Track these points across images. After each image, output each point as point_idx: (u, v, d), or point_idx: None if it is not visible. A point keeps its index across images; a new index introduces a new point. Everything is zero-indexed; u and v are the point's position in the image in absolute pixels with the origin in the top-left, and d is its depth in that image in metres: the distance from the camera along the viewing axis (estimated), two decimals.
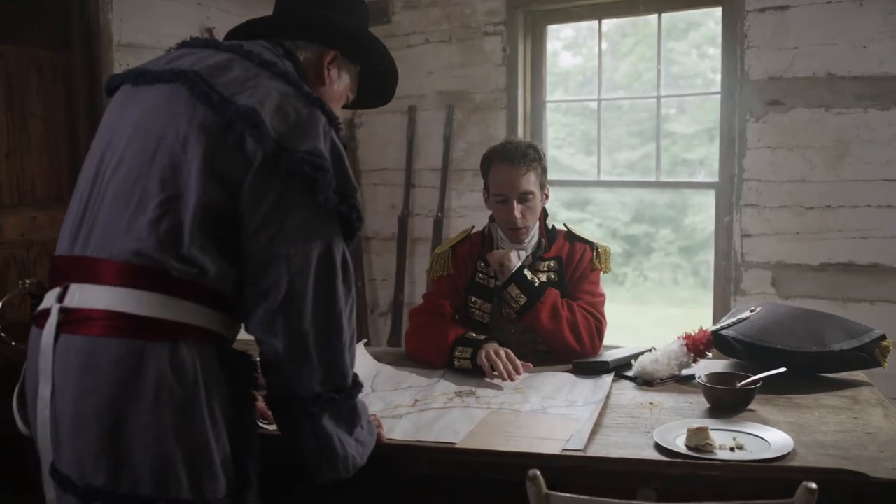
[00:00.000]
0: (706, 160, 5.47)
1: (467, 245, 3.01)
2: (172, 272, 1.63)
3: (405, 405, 2.38)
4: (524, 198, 2.86)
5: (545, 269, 2.92)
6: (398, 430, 2.18)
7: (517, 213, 2.84)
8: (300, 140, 1.68)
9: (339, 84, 2.04)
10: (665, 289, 8.02)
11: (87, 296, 1.65)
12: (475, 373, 2.64)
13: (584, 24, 5.29)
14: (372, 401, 2.41)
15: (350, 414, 1.84)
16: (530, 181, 2.86)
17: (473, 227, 3.12)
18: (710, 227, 4.77)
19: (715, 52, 4.80)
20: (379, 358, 2.86)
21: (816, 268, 4.40)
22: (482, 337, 2.70)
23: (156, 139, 1.70)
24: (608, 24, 5.15)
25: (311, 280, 1.69)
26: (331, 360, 1.75)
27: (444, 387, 2.55)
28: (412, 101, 5.46)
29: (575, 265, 2.94)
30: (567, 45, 5.60)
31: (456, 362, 2.65)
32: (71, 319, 1.65)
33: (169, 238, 1.63)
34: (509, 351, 2.61)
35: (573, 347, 2.78)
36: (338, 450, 1.80)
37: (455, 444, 2.08)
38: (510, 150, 2.88)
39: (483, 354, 2.60)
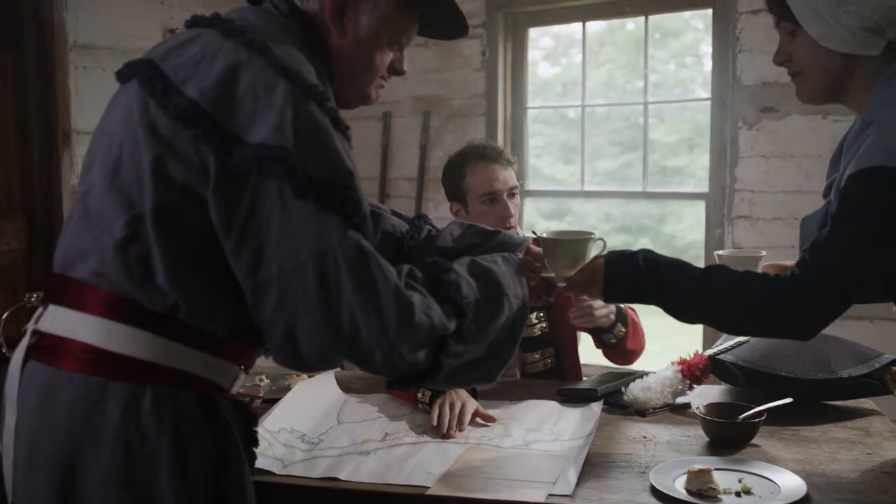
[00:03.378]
0: (686, 169, 5.38)
1: None
2: (145, 304, 1.40)
3: (374, 439, 2.18)
4: (512, 193, 2.74)
5: None
6: (364, 471, 1.97)
7: (511, 209, 2.70)
8: (253, 126, 1.37)
9: (365, 31, 1.61)
10: None
11: (59, 321, 1.45)
12: None
13: (564, 33, 5.16)
14: (338, 434, 2.21)
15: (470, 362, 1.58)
16: (512, 176, 2.76)
17: None
18: (689, 236, 4.63)
19: (694, 60, 4.70)
20: (348, 384, 2.65)
21: None
22: None
23: (117, 148, 1.45)
24: (587, 30, 4.98)
25: (316, 300, 1.36)
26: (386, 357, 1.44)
27: (417, 418, 2.34)
28: (386, 107, 5.29)
29: None
30: (546, 54, 5.48)
31: (419, 405, 2.39)
32: (41, 345, 1.45)
33: (139, 265, 1.40)
34: (468, 405, 2.29)
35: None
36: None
37: (427, 487, 1.87)
38: (488, 148, 2.77)
39: (439, 401, 2.29)
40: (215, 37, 1.46)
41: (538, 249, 1.95)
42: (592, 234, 1.94)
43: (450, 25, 1.78)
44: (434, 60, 5.13)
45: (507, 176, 2.74)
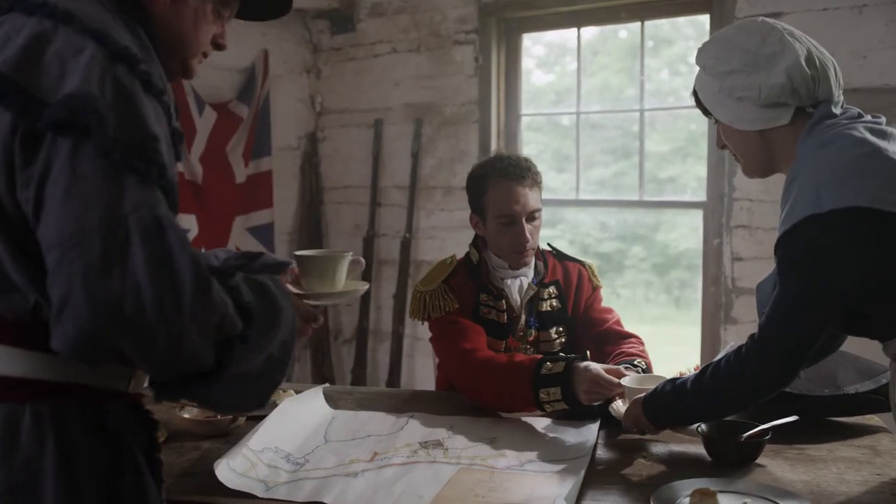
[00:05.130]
0: (679, 179, 5.33)
1: (458, 278, 2.69)
2: (7, 314, 1.32)
3: (362, 460, 2.08)
4: (532, 216, 2.60)
5: (547, 296, 2.69)
6: (351, 495, 1.88)
7: (528, 235, 2.58)
8: (59, 86, 1.28)
9: None
10: (637, 306, 7.94)
11: None
12: (443, 420, 2.36)
13: (556, 41, 5.10)
14: (324, 454, 2.12)
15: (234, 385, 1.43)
16: (536, 198, 2.61)
17: (455, 255, 2.80)
18: (683, 245, 4.57)
19: (688, 69, 4.64)
20: (337, 399, 2.57)
21: None
22: (561, 367, 2.31)
23: None
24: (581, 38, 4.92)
25: (95, 272, 1.21)
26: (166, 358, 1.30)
27: (408, 436, 2.26)
28: (378, 115, 5.21)
29: (575, 288, 2.73)
30: (539, 63, 5.42)
31: (547, 407, 2.31)
32: None
33: None
34: (599, 373, 2.26)
35: None
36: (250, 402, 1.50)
37: None
38: (513, 165, 2.60)
39: (582, 390, 2.26)
40: (19, 17, 1.37)
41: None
42: (346, 252, 2.01)
43: (272, 5, 1.76)
44: (426, 67, 5.05)
45: (530, 198, 2.59)
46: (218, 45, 1.65)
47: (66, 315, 1.22)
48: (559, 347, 2.69)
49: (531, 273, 2.68)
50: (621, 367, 2.33)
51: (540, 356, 2.42)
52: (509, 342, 2.65)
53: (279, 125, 5.16)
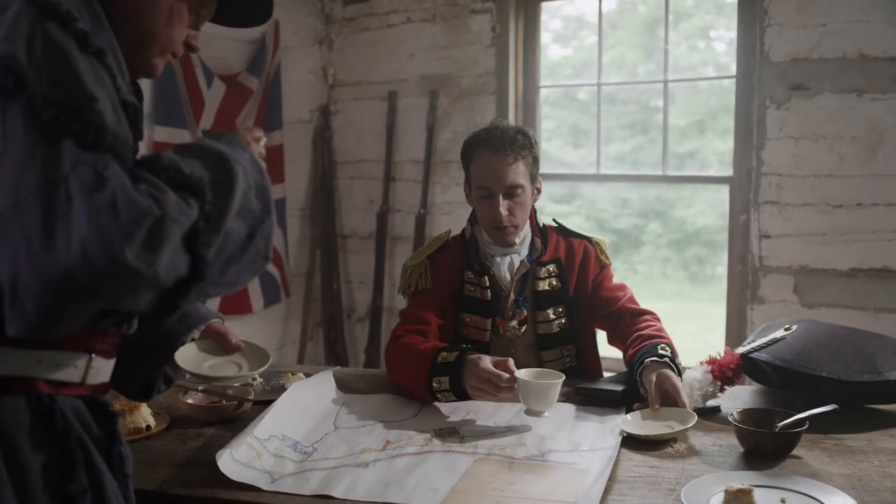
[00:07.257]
0: (698, 153, 5.24)
1: (448, 253, 2.60)
2: None
3: (373, 448, 1.99)
4: (511, 192, 2.47)
5: (545, 274, 2.56)
6: (361, 487, 1.78)
7: (502, 210, 2.45)
8: None
9: None
10: (654, 282, 7.86)
11: None
12: (458, 405, 2.27)
13: (574, 14, 4.99)
14: (334, 442, 2.03)
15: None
16: (518, 172, 2.47)
17: (451, 230, 2.70)
18: (701, 221, 4.47)
19: (705, 44, 4.53)
20: (348, 382, 2.48)
21: (845, 273, 4.02)
22: (453, 357, 2.24)
23: None
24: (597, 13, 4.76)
25: (39, 241, 1.13)
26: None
27: (422, 423, 2.16)
28: (392, 86, 5.09)
29: (579, 266, 2.61)
30: (555, 36, 5.30)
31: (440, 397, 2.24)
32: None
33: None
34: (487, 367, 2.16)
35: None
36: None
37: None
38: (496, 136, 2.48)
39: (469, 384, 2.18)
40: None
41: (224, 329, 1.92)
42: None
43: (251, 10, 1.66)
44: (442, 37, 4.93)
45: (510, 172, 2.46)
46: (190, 47, 1.57)
47: (20, 295, 1.14)
48: (558, 328, 2.57)
49: (524, 250, 2.57)
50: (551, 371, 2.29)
51: (445, 345, 2.35)
52: (497, 321, 2.55)
53: (290, 98, 5.04)
